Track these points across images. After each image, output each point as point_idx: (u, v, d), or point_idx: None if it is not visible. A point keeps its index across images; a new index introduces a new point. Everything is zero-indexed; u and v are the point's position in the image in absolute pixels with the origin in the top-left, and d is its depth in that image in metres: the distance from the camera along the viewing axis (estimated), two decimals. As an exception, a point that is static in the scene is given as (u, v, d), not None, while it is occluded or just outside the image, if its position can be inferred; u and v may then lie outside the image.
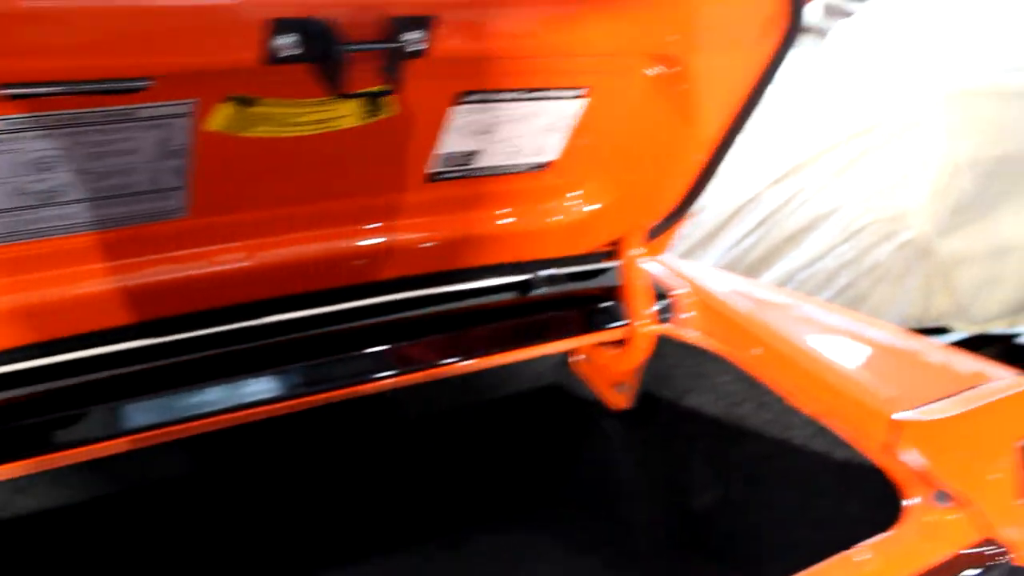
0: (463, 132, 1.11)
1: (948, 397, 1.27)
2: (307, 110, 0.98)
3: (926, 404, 1.25)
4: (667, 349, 1.50)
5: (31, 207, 0.94)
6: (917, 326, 3.34)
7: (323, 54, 0.83)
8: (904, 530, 1.12)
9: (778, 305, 1.57)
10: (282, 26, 0.82)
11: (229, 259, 1.12)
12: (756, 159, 3.13)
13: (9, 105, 0.82)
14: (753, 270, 3.18)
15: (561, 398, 1.61)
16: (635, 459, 1.56)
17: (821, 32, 3.87)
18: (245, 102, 0.94)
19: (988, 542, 1.16)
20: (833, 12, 4.12)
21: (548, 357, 1.61)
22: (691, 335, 1.47)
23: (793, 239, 3.05)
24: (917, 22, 3.20)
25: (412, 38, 0.88)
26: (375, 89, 0.91)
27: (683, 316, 1.49)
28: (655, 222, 1.39)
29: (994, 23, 3.26)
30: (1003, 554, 1.17)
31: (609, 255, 1.42)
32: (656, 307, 1.45)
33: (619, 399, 1.54)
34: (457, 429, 1.60)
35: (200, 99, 0.92)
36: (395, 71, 0.88)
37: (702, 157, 1.30)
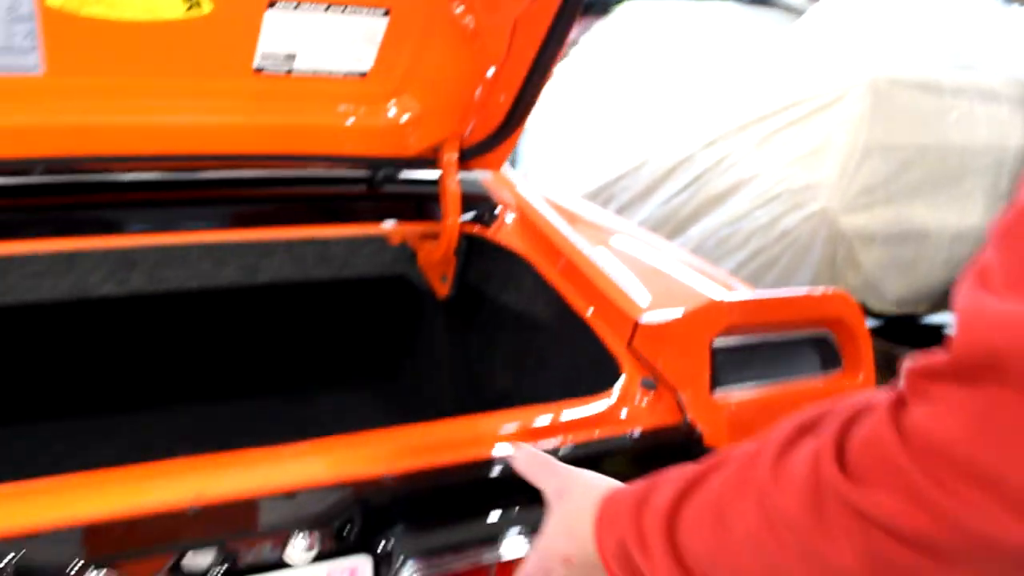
0: (279, 34, 1.36)
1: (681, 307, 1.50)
2: (133, -2, 1.23)
3: (663, 310, 1.49)
4: (490, 250, 1.75)
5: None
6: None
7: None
8: (602, 400, 1.37)
9: (590, 225, 1.81)
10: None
11: (83, 115, 1.38)
12: (697, 120, 3.34)
13: None
14: (683, 225, 3.40)
15: (402, 285, 1.87)
16: (450, 342, 1.82)
17: (799, 12, 4.04)
18: (79, -17, 1.20)
19: (682, 424, 1.41)
20: (816, -5, 4.28)
21: (397, 250, 1.87)
22: (504, 239, 1.72)
23: (718, 199, 3.27)
24: (868, 10, 3.38)
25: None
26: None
27: (505, 223, 1.74)
28: (476, 137, 1.63)
29: (939, 21, 3.42)
30: (695, 435, 1.41)
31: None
32: (475, 211, 1.70)
33: (442, 288, 1.80)
34: (307, 302, 1.88)
35: (39, -24, 1.18)
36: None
37: (509, 85, 1.54)
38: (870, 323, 3.82)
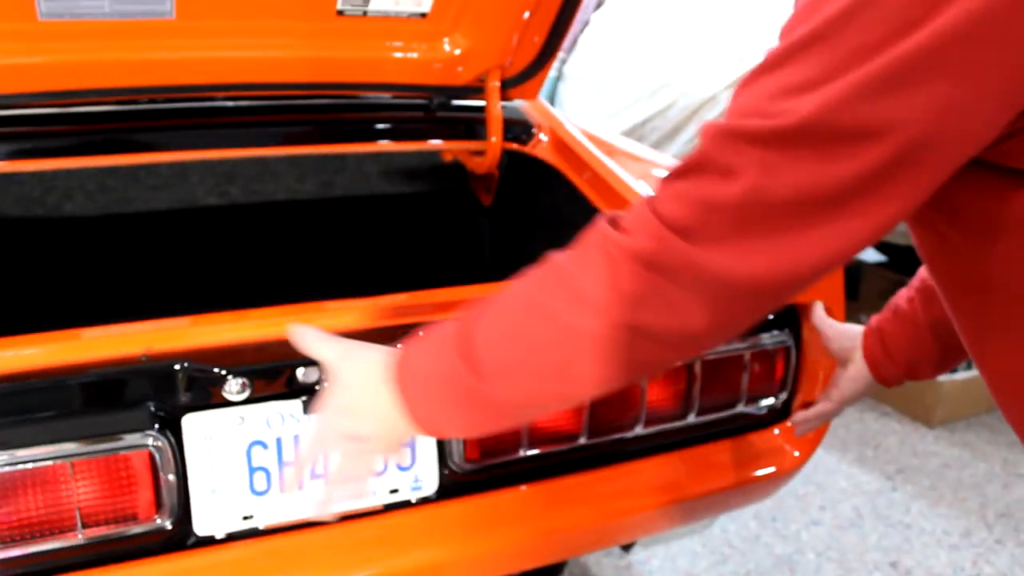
0: (357, -18, 1.71)
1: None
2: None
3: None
4: (528, 164, 2.10)
5: (76, -4, 1.58)
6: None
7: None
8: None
9: (611, 146, 2.15)
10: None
11: (206, 50, 1.75)
12: (719, 62, 3.64)
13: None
14: (706, 161, 3.71)
15: (453, 197, 2.23)
16: (493, 243, 2.18)
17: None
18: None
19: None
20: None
21: (449, 166, 2.23)
22: (539, 154, 2.07)
23: (738, 136, 3.57)
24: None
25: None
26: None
27: (539, 142, 2.09)
28: (514, 70, 1.98)
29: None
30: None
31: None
32: (514, 130, 2.05)
33: (487, 198, 2.16)
34: (373, 213, 2.25)
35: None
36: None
37: (541, 27, 1.88)
38: (879, 257, 4.12)
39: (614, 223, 0.86)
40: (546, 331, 0.86)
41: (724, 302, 0.81)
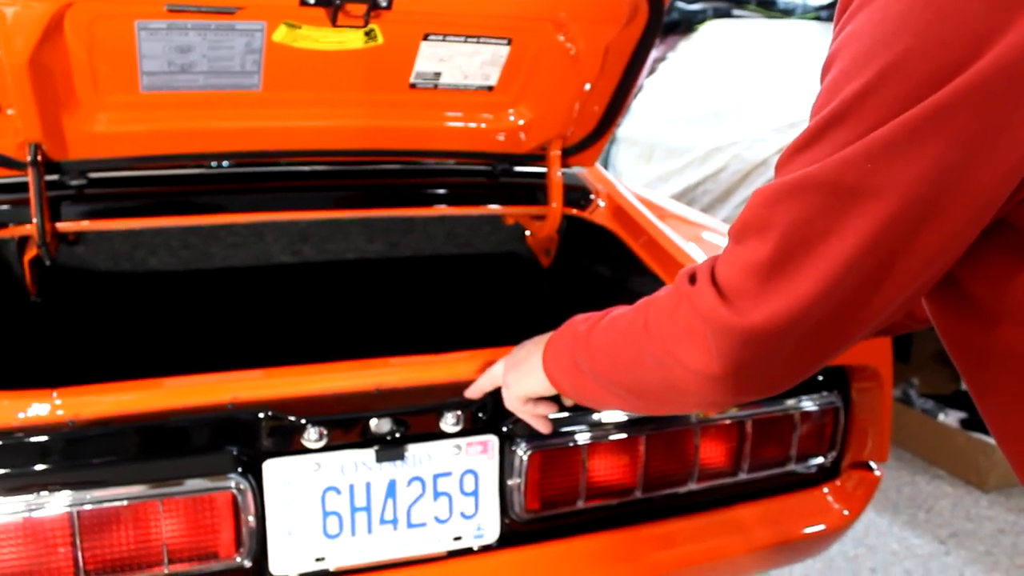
0: (430, 59, 1.83)
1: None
2: (330, 34, 1.71)
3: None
4: (586, 228, 2.20)
5: (175, 72, 1.72)
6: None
7: (328, 2, 1.57)
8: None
9: (663, 210, 2.24)
10: (306, -12, 1.56)
11: (287, 119, 1.88)
12: (770, 128, 3.73)
13: (169, 15, 1.59)
14: (757, 224, 3.78)
15: (513, 259, 2.33)
16: (551, 304, 2.26)
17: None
18: (294, 26, 1.69)
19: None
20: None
21: (510, 229, 2.34)
22: (597, 219, 2.16)
23: (789, 200, 3.64)
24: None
25: (383, -2, 1.60)
26: (359, 25, 1.65)
27: (597, 207, 2.19)
28: (574, 138, 2.08)
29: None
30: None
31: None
32: (573, 196, 2.15)
33: (546, 260, 2.26)
34: (437, 271, 2.35)
35: (268, 22, 1.67)
36: (369, 15, 1.61)
37: (601, 98, 1.98)
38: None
39: (690, 278, 1.00)
40: (626, 337, 1.10)
41: (726, 343, 0.93)
